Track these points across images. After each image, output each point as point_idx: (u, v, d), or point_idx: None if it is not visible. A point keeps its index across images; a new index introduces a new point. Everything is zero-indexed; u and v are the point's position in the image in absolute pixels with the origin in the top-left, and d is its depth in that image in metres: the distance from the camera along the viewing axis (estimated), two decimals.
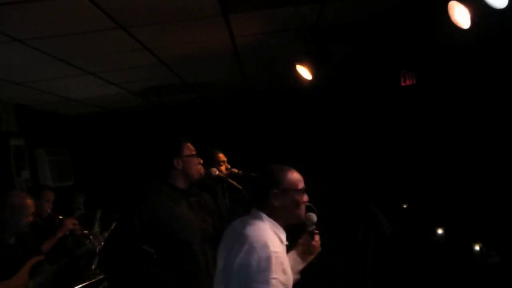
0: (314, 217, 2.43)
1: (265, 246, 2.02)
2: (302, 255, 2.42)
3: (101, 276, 3.66)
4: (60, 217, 3.86)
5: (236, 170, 3.68)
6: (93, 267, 3.88)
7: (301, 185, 2.24)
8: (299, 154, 6.08)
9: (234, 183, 3.42)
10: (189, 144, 2.80)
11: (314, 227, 2.42)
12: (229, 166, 3.71)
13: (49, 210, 3.93)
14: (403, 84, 4.87)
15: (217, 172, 3.42)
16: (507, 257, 4.47)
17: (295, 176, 2.24)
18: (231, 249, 2.13)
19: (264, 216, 2.18)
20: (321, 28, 3.72)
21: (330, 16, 3.53)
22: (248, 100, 6.64)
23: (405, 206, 5.58)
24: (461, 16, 2.86)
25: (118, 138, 6.81)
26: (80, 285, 3.21)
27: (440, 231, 5.20)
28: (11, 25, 2.90)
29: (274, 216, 2.19)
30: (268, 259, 1.98)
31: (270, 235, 2.11)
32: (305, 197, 2.26)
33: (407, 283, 4.83)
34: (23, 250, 3.19)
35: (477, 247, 4.64)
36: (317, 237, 2.42)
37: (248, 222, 2.18)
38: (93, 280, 3.45)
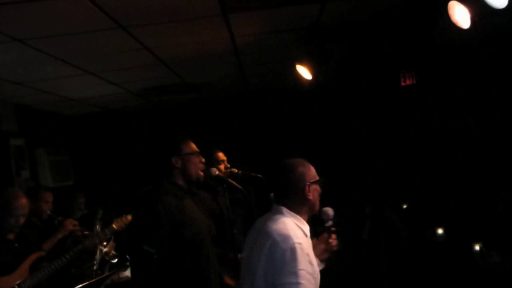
0: (330, 211, 2.42)
1: (288, 238, 2.00)
2: (321, 254, 2.35)
3: (103, 276, 3.66)
4: (60, 218, 3.85)
5: (236, 170, 3.68)
6: (94, 267, 3.88)
7: (317, 175, 2.26)
8: (298, 154, 6.07)
9: (234, 183, 3.42)
10: (190, 142, 2.78)
11: (331, 222, 2.40)
12: (228, 165, 3.70)
13: (48, 212, 3.92)
14: (403, 84, 4.86)
15: (217, 172, 3.41)
16: (507, 257, 4.47)
17: (312, 167, 2.27)
18: (253, 246, 2.12)
19: (285, 210, 2.17)
20: (321, 28, 3.72)
21: (330, 16, 3.53)
22: (248, 100, 6.64)
23: (405, 206, 5.58)
24: (461, 16, 2.86)
25: (118, 138, 6.80)
26: (81, 285, 3.21)
27: (440, 231, 5.20)
28: (11, 25, 2.90)
29: (298, 210, 2.18)
30: (292, 250, 1.96)
31: (292, 228, 2.09)
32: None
33: (407, 283, 4.84)
34: (24, 247, 3.18)
35: (477, 247, 4.64)
36: (333, 235, 2.39)
37: (269, 219, 2.17)
38: (94, 280, 3.45)
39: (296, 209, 2.18)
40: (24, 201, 3.17)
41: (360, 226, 5.35)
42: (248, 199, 3.44)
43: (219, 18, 3.28)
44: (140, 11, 2.94)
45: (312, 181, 2.21)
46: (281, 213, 2.17)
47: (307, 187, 2.18)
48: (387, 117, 6.23)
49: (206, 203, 3.23)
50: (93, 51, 3.73)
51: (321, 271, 2.18)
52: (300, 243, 2.00)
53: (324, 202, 2.60)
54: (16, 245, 3.17)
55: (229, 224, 3.46)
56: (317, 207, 2.27)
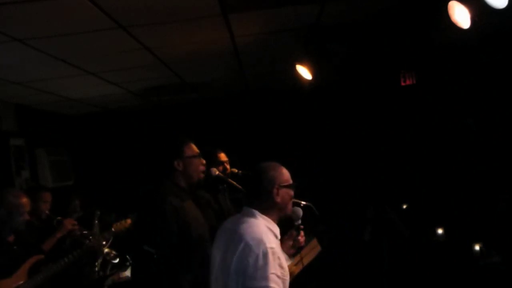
0: (300, 211, 2.50)
1: (261, 242, 2.05)
2: (288, 250, 2.47)
3: (103, 276, 3.67)
4: (59, 218, 3.85)
5: (236, 170, 3.68)
6: (96, 268, 3.88)
7: (290, 179, 2.32)
8: (298, 154, 6.08)
9: (234, 183, 3.42)
10: (191, 145, 2.79)
11: (300, 221, 2.49)
12: (228, 167, 3.70)
13: (47, 211, 3.91)
14: (403, 84, 4.86)
15: (217, 172, 3.41)
16: (507, 257, 4.47)
17: (286, 171, 2.32)
18: (227, 249, 2.15)
19: (257, 213, 2.22)
20: (321, 28, 3.72)
21: (330, 16, 3.53)
22: (248, 100, 6.64)
23: (405, 206, 5.59)
24: (461, 16, 2.86)
25: (118, 138, 6.81)
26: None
27: (440, 231, 5.20)
28: (11, 25, 2.90)
29: (269, 212, 2.23)
30: (265, 255, 2.01)
31: (265, 231, 2.14)
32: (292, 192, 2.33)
33: (407, 283, 4.84)
34: (23, 249, 3.18)
35: (477, 247, 4.64)
36: (302, 232, 2.49)
37: (241, 221, 2.21)
38: (93, 280, 3.45)
39: (266, 211, 2.23)
40: (26, 198, 3.22)
41: (361, 227, 5.35)
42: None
43: (219, 18, 3.28)
44: (140, 11, 2.94)
45: (282, 184, 2.25)
46: (253, 215, 2.21)
47: (275, 190, 2.22)
48: (387, 117, 6.23)
49: (206, 202, 3.23)
50: (93, 51, 3.73)
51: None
52: (272, 248, 2.06)
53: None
54: (15, 247, 3.17)
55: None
56: (287, 210, 2.32)
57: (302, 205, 2.77)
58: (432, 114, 6.00)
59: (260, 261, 2.00)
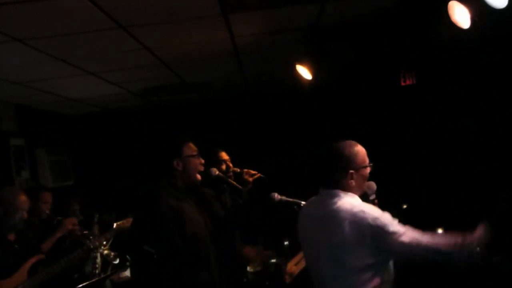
0: (374, 185, 2.48)
1: (364, 210, 2.07)
2: None
3: (103, 276, 3.67)
4: (59, 218, 3.85)
5: (238, 170, 3.68)
6: (96, 270, 3.88)
7: (366, 157, 2.30)
8: (298, 154, 6.08)
9: (234, 183, 3.42)
10: (190, 144, 2.78)
11: (374, 196, 2.46)
12: (231, 165, 3.70)
13: (47, 212, 3.91)
14: (403, 84, 4.86)
15: (217, 172, 3.41)
16: (507, 257, 4.47)
17: (362, 149, 2.30)
18: (319, 236, 2.14)
19: (341, 192, 2.20)
20: (321, 28, 3.72)
21: (330, 16, 3.54)
22: (248, 100, 6.64)
23: (405, 206, 5.58)
24: (461, 16, 2.86)
25: (118, 138, 6.81)
26: (82, 285, 3.21)
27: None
28: (11, 25, 2.90)
29: (349, 191, 2.23)
30: (378, 218, 2.03)
31: (359, 203, 2.16)
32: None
33: (407, 283, 4.84)
34: (24, 249, 3.18)
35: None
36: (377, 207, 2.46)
37: (326, 203, 2.18)
38: (93, 280, 3.45)
39: (347, 190, 2.22)
40: (24, 197, 3.21)
41: None
42: (249, 199, 3.44)
43: (219, 18, 3.28)
44: (140, 11, 2.94)
45: (358, 163, 2.23)
46: (337, 195, 2.18)
47: (352, 170, 2.21)
48: (387, 117, 6.23)
49: (212, 196, 3.24)
50: (93, 51, 3.73)
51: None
52: (377, 210, 2.08)
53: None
54: (16, 246, 3.17)
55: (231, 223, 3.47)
56: (364, 187, 2.32)
57: (302, 205, 2.77)
58: (432, 114, 6.00)
59: (378, 216, 2.03)
